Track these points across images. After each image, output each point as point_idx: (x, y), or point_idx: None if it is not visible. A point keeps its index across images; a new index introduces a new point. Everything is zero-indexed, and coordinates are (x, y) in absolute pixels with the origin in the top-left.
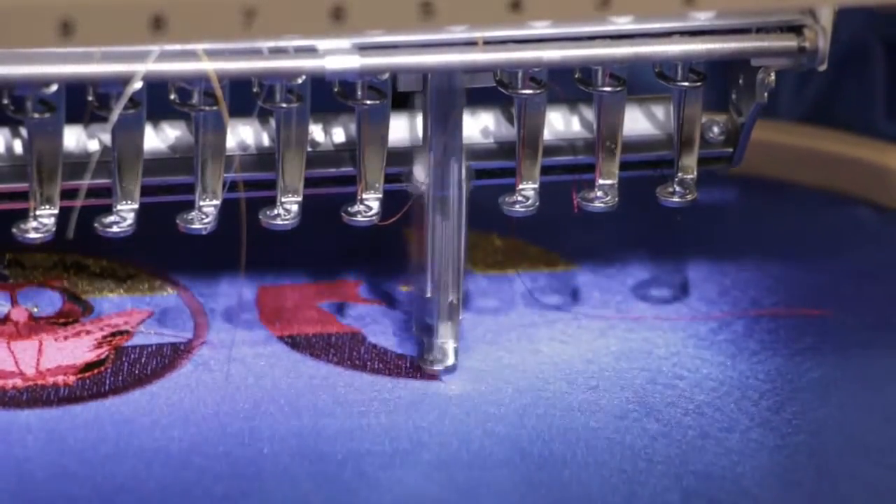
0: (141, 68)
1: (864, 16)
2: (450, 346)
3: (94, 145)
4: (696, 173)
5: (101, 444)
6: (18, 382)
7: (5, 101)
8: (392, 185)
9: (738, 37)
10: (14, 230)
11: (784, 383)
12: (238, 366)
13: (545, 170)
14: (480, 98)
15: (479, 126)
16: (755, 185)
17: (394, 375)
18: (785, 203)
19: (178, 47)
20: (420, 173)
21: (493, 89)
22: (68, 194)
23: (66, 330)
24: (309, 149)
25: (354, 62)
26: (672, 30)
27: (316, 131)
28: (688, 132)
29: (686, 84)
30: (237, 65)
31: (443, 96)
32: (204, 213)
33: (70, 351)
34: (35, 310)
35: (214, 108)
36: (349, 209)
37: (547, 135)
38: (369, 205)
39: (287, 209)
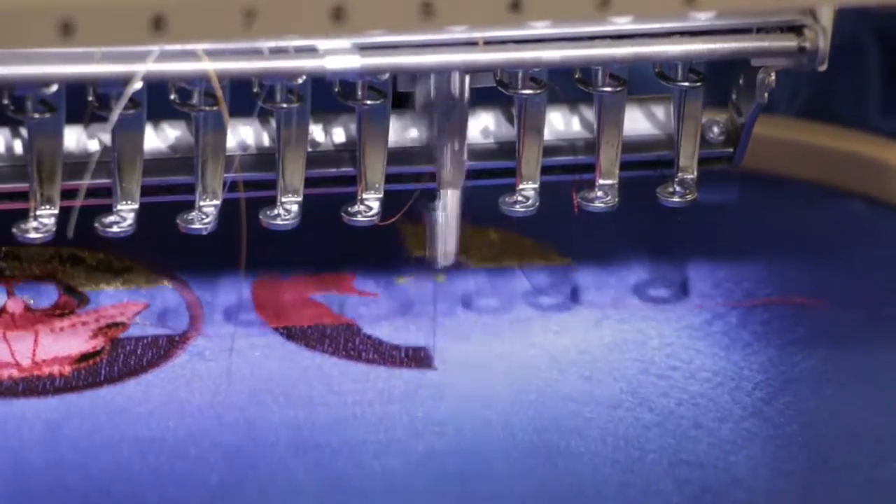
0: (141, 68)
1: (859, 11)
2: (453, 240)
3: (94, 145)
4: (696, 173)
5: (97, 433)
6: (14, 373)
7: (5, 101)
8: (392, 185)
9: (739, 37)
10: (14, 230)
11: (777, 374)
12: (233, 356)
13: (545, 170)
14: (480, 98)
15: (479, 126)
16: (751, 179)
17: (388, 365)
18: (780, 197)
19: (178, 47)
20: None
21: (493, 89)
22: (68, 194)
23: (62, 321)
24: (309, 149)
25: (355, 62)
26: (672, 30)
27: (316, 131)
28: (688, 132)
29: (686, 84)
30: (237, 65)
31: (444, 96)
32: (204, 213)
33: (66, 342)
34: (31, 302)
35: (214, 108)
36: (349, 209)
37: (547, 135)
38: (369, 205)
39: (287, 209)
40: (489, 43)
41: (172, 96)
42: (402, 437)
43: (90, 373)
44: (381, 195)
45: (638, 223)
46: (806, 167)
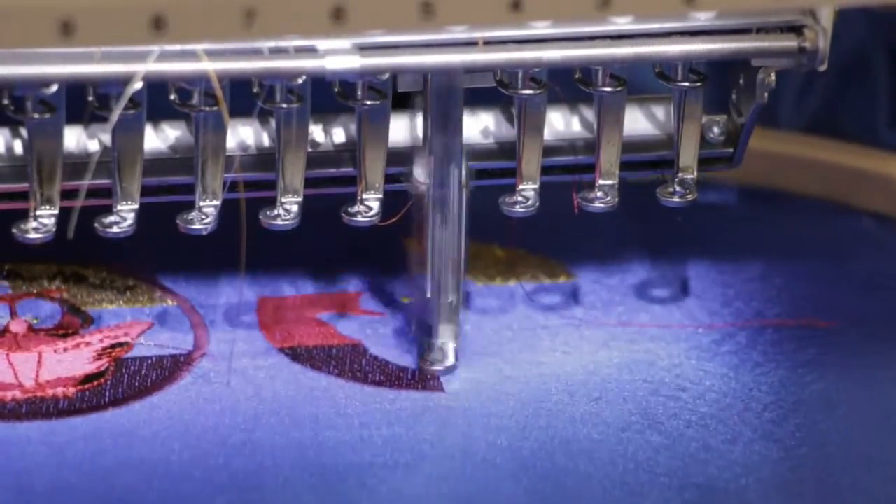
0: (141, 68)
1: (867, 24)
2: (450, 347)
3: (94, 145)
4: (696, 173)
5: (101, 456)
6: (18, 394)
7: (5, 101)
8: (392, 185)
9: (739, 37)
10: (14, 230)
11: (787, 395)
12: (238, 377)
13: (545, 170)
14: (480, 98)
15: (479, 126)
16: (758, 194)
17: (395, 387)
18: (788, 213)
19: (178, 47)
20: (420, 173)
21: (493, 89)
22: (68, 194)
23: (65, 342)
24: (309, 149)
25: (355, 62)
26: (672, 30)
27: (316, 131)
28: (688, 132)
29: (686, 84)
30: (237, 65)
31: (443, 97)
32: (204, 214)
33: (69, 363)
34: (34, 321)
35: (214, 108)
36: (349, 209)
37: (547, 135)
38: (369, 205)
39: (287, 209)
40: (489, 43)
41: (172, 96)
42: (410, 459)
43: (94, 395)
44: (381, 195)
45: (646, 239)
46: (814, 183)
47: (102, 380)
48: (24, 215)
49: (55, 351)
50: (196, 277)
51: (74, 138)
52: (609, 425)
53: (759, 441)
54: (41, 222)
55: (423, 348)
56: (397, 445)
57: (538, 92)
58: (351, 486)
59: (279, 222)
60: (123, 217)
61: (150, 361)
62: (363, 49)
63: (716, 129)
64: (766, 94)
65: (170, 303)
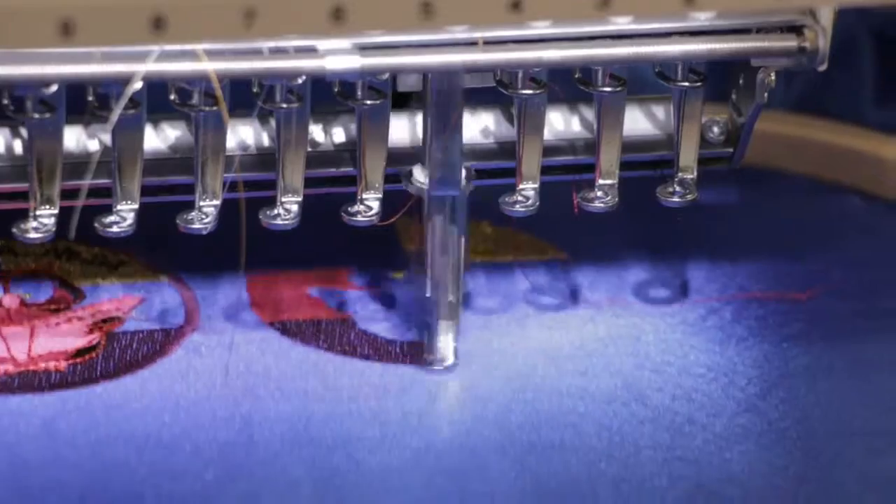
0: (141, 68)
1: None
2: (450, 345)
3: (94, 145)
4: (695, 173)
5: (93, 429)
6: (10, 368)
7: (5, 101)
8: (392, 185)
9: (739, 37)
10: (14, 230)
11: (771, 369)
12: (229, 351)
13: (545, 170)
14: (480, 98)
15: (479, 126)
16: (746, 173)
17: (383, 361)
18: (775, 192)
19: (178, 47)
20: (420, 174)
21: (493, 89)
22: (68, 194)
23: (57, 316)
24: (309, 149)
25: (355, 62)
26: (672, 30)
27: (316, 131)
28: (688, 132)
29: (686, 84)
30: (237, 65)
31: (443, 97)
32: (204, 213)
33: (62, 337)
34: (27, 296)
35: (214, 108)
36: (349, 209)
37: (547, 135)
38: (369, 205)
39: (287, 209)
40: (489, 43)
41: (172, 96)
42: (398, 432)
43: (86, 368)
44: (380, 195)
45: (633, 219)
46: (801, 161)
47: (94, 354)
48: (24, 215)
49: (47, 325)
50: (188, 255)
51: (74, 138)
52: (595, 399)
53: (743, 414)
54: (41, 222)
55: (424, 345)
56: (385, 418)
57: (538, 92)
58: (339, 458)
59: (279, 222)
60: (123, 217)
61: (141, 336)
62: (363, 49)
63: (716, 129)
64: (765, 94)
65: (161, 279)
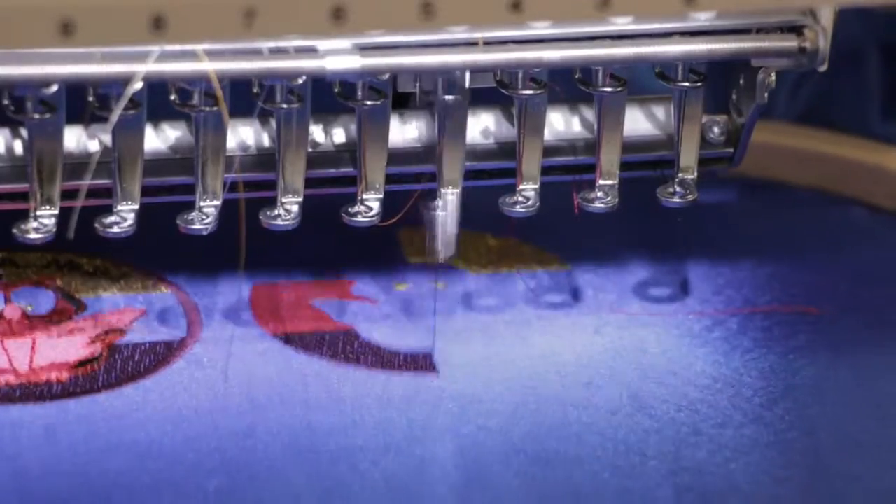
0: (141, 68)
1: (860, 17)
2: (452, 235)
3: (94, 146)
4: (696, 173)
5: (94, 439)
6: (12, 379)
7: (5, 102)
8: (392, 185)
9: (739, 37)
10: (14, 230)
11: (777, 381)
12: (231, 362)
13: (545, 170)
14: (480, 98)
15: (479, 126)
16: (751, 185)
17: (387, 370)
18: (780, 203)
19: (178, 47)
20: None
21: (493, 89)
22: (68, 194)
23: (59, 328)
24: (309, 149)
25: (355, 62)
26: (672, 30)
27: (316, 131)
28: (688, 132)
29: (686, 84)
30: (237, 65)
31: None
32: (204, 214)
33: (63, 348)
34: (29, 308)
35: (214, 108)
36: (349, 209)
37: (547, 135)
38: (370, 205)
39: (287, 209)
40: (489, 43)
41: (172, 96)
42: (401, 442)
43: (88, 379)
44: (381, 195)
45: (637, 228)
46: (806, 173)
47: (96, 365)
48: (24, 215)
49: (49, 337)
50: (190, 266)
51: (74, 138)
52: (600, 410)
53: (749, 425)
54: (41, 222)
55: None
56: (389, 429)
57: (538, 92)
58: (342, 469)
59: (279, 222)
60: (123, 217)
61: (143, 347)
62: (363, 49)
63: (716, 129)
64: (766, 95)
65: (163, 290)
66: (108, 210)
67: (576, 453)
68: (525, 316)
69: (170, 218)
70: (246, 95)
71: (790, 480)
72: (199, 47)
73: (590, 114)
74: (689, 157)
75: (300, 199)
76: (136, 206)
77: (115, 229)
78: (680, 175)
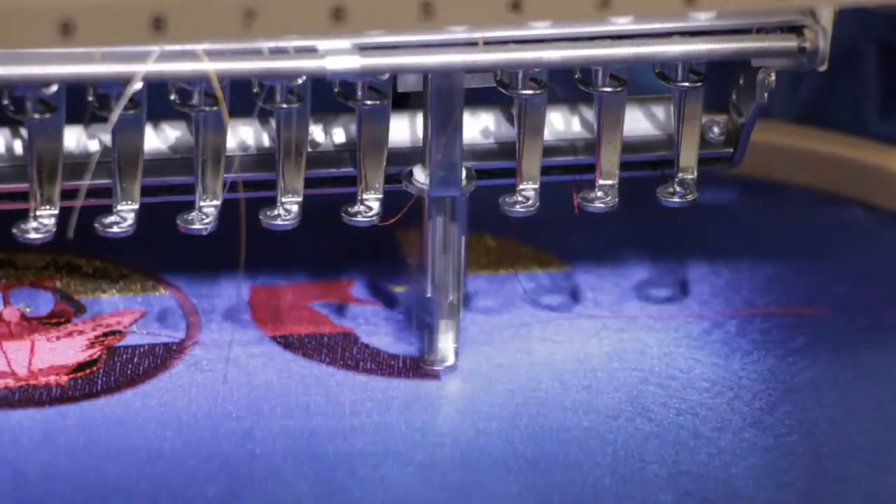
0: (141, 69)
1: (858, 16)
2: (450, 346)
3: (94, 146)
4: (696, 173)
5: (93, 444)
6: (10, 382)
7: (5, 102)
8: (392, 185)
9: (739, 37)
10: (14, 230)
11: (777, 383)
12: (230, 366)
13: (545, 170)
14: (480, 98)
15: (479, 126)
16: (749, 185)
17: (386, 375)
18: (778, 204)
19: (178, 48)
20: (420, 174)
21: (493, 89)
22: (68, 194)
23: (58, 330)
24: (309, 149)
25: (355, 62)
26: (672, 30)
27: (316, 131)
28: (688, 132)
29: (686, 84)
30: (237, 65)
31: (443, 97)
32: (204, 214)
33: (62, 351)
34: (27, 310)
35: (214, 108)
36: (349, 209)
37: (547, 135)
38: (369, 205)
39: (287, 209)
40: (489, 43)
41: (172, 96)
42: (401, 447)
43: (87, 382)
44: (381, 195)
45: (636, 228)
46: (804, 173)
47: (95, 368)
48: (24, 215)
49: (48, 339)
50: (189, 268)
51: (74, 138)
52: (599, 413)
53: (748, 429)
54: (41, 222)
55: (423, 347)
56: (388, 433)
57: (538, 92)
58: (342, 474)
59: (279, 222)
60: (123, 217)
61: (142, 350)
62: (363, 49)
63: (716, 129)
64: (766, 95)
65: (162, 292)
66: (108, 210)
67: (575, 458)
68: (524, 318)
69: (170, 218)
70: (246, 95)
71: (790, 484)
72: (199, 47)
73: (590, 114)
74: (689, 157)
75: (300, 199)
76: (136, 206)
77: (115, 229)
78: (680, 175)
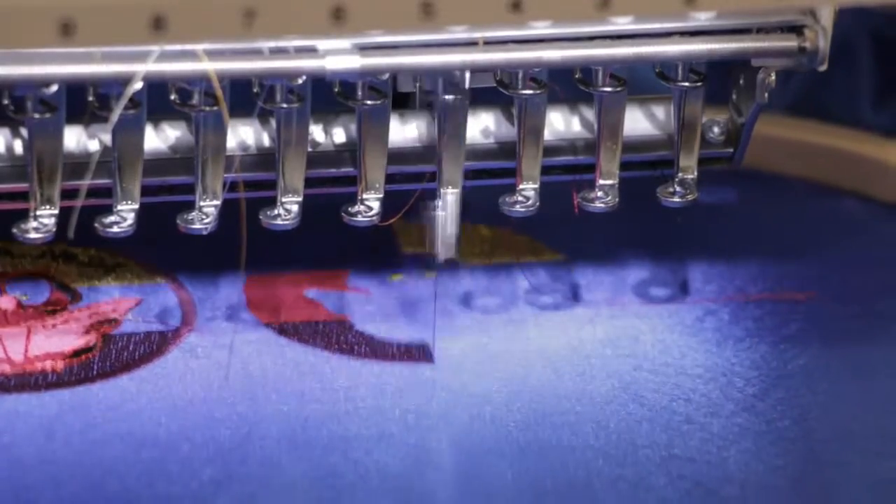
0: (141, 68)
1: (852, 9)
2: (453, 239)
3: (94, 145)
4: (696, 173)
5: (89, 429)
6: (7, 369)
7: (5, 101)
8: (392, 185)
9: (739, 37)
10: (14, 231)
11: (769, 370)
12: (225, 352)
13: (545, 170)
14: (480, 98)
15: (479, 126)
16: (744, 176)
17: (381, 361)
18: (772, 194)
19: (178, 47)
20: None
21: (493, 89)
22: (68, 194)
23: (54, 318)
24: (309, 149)
25: (355, 62)
26: (672, 30)
27: (316, 131)
28: (688, 132)
29: (686, 84)
30: (237, 65)
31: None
32: (204, 214)
33: (58, 338)
34: (24, 298)
35: (214, 108)
36: (349, 209)
37: (547, 135)
38: (370, 205)
39: (287, 209)
40: (489, 43)
41: (172, 96)
42: (395, 431)
43: (82, 368)
44: (381, 195)
45: (630, 219)
46: (798, 164)
47: (90, 354)
48: (24, 215)
49: (44, 327)
50: (185, 255)
51: (74, 138)
52: (593, 399)
53: (741, 414)
54: (41, 222)
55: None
56: (382, 418)
57: (538, 92)
58: (336, 458)
59: (279, 222)
60: (123, 217)
61: (137, 337)
62: (363, 49)
63: (716, 129)
64: (766, 94)
65: (158, 280)
66: (108, 210)
67: (569, 442)
68: (518, 306)
69: (167, 211)
70: (246, 95)
71: (782, 469)
72: (199, 47)
73: (590, 114)
74: (688, 156)
75: (300, 199)
76: (136, 206)
77: (115, 229)
78: (680, 175)
